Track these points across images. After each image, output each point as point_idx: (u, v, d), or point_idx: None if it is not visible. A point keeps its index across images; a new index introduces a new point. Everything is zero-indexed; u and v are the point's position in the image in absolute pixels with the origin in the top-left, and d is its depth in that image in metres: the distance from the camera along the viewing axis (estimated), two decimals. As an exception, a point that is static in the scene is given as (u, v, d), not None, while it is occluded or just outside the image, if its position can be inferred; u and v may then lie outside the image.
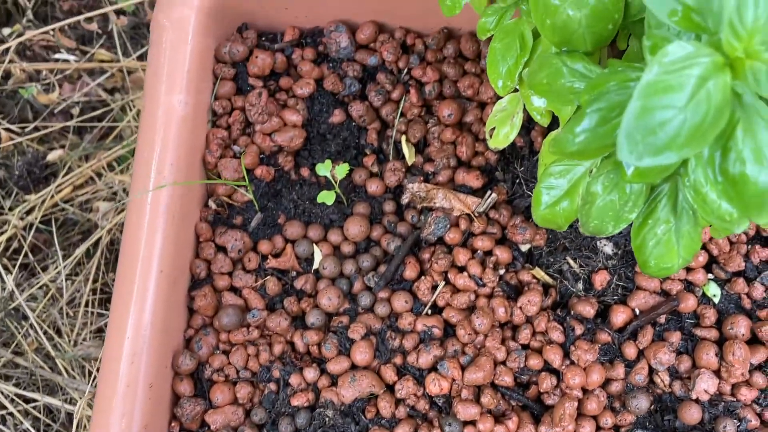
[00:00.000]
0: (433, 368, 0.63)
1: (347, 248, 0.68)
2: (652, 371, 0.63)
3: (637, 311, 0.65)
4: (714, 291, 0.66)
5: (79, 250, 1.11)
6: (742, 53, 0.32)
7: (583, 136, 0.37)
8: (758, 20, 0.31)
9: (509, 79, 0.52)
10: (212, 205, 0.67)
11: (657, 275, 0.47)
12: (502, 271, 0.67)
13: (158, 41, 0.65)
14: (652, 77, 0.31)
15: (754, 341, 0.63)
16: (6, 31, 1.29)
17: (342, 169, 0.68)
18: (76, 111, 1.25)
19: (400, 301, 0.65)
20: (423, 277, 0.66)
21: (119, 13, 1.26)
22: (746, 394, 0.61)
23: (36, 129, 1.22)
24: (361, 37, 0.72)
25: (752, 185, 0.33)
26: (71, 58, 1.28)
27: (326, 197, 0.67)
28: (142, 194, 0.62)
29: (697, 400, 0.62)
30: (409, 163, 0.71)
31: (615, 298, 0.66)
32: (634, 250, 0.46)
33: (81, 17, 1.18)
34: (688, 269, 0.66)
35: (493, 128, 0.61)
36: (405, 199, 0.70)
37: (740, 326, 0.63)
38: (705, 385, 0.61)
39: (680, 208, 0.43)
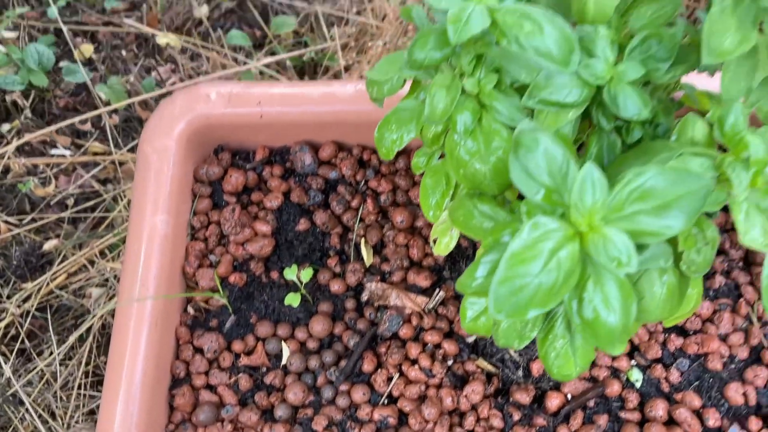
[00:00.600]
0: (388, 455, 0.70)
1: (312, 344, 0.76)
2: (583, 451, 0.71)
3: (569, 396, 0.73)
4: (636, 376, 0.74)
5: (73, 336, 1.19)
6: (585, 228, 0.41)
7: (479, 281, 0.46)
8: (596, 203, 0.41)
9: (438, 209, 0.61)
10: (191, 310, 0.76)
11: (560, 380, 0.55)
12: (450, 362, 0.75)
13: (143, 168, 0.74)
14: (516, 248, 0.40)
15: (670, 422, 0.71)
16: (5, 127, 1.39)
17: (306, 273, 0.77)
18: (70, 202, 1.35)
19: (359, 393, 0.73)
20: (379, 370, 0.74)
21: (112, 112, 1.37)
22: (666, 471, 0.69)
23: (33, 220, 1.31)
24: (323, 154, 0.82)
25: (603, 326, 0.42)
26: (67, 152, 1.38)
27: (292, 299, 0.76)
28: (128, 303, 0.71)
29: (622, 478, 0.70)
30: (368, 264, 0.81)
31: (551, 383, 0.74)
32: (541, 359, 0.54)
33: (76, 119, 1.29)
34: (614, 357, 0.74)
35: (436, 238, 0.71)
36: (364, 297, 0.79)
37: (658, 409, 0.71)
38: (628, 464, 0.69)
39: (573, 326, 0.52)
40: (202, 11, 1.59)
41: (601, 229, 0.41)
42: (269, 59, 1.44)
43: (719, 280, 0.76)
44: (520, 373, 0.75)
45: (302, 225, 0.80)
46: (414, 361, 0.74)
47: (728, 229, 0.80)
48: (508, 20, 0.47)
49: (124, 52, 1.56)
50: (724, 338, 0.74)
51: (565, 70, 0.48)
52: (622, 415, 0.72)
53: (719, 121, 0.46)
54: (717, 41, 0.46)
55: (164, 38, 1.53)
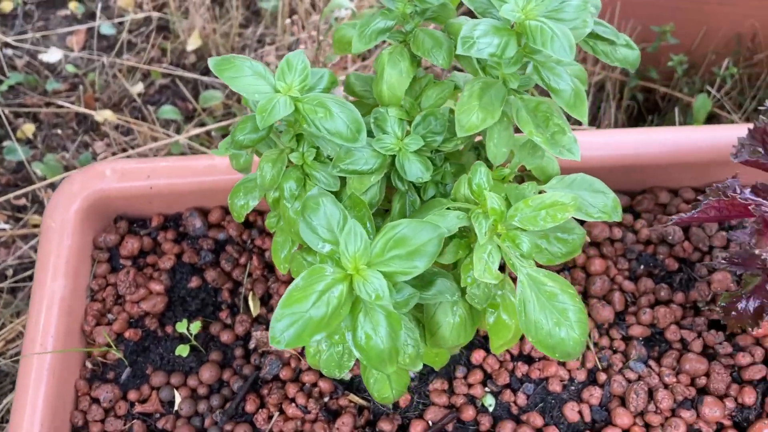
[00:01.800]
0: (265, 485, 0.78)
1: (202, 390, 0.85)
2: (442, 472, 0.80)
3: (431, 422, 0.82)
4: (489, 401, 0.83)
5: (7, 399, 1.25)
6: (352, 271, 0.52)
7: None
8: (357, 251, 0.52)
9: (286, 262, 0.72)
10: (89, 365, 0.84)
11: (381, 402, 0.65)
12: (326, 399, 0.84)
13: (45, 239, 0.84)
14: (292, 289, 0.50)
15: (517, 441, 0.80)
16: (-51, 204, 1.48)
17: (195, 326, 0.86)
18: (9, 272, 1.42)
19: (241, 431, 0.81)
20: (261, 410, 0.83)
21: (47, 186, 1.47)
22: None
23: (-28, 291, 1.38)
24: (211, 218, 0.93)
25: (373, 350, 0.52)
26: (6, 227, 1.47)
27: (182, 350, 0.85)
28: (30, 356, 0.79)
29: (474, 493, 0.78)
30: (255, 315, 0.90)
31: (416, 413, 0.83)
32: (366, 385, 0.64)
33: (11, 195, 1.39)
34: (470, 385, 0.84)
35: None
36: (251, 345, 0.88)
37: (507, 429, 0.80)
38: (478, 480, 0.78)
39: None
40: (137, 89, 1.72)
41: (364, 272, 0.51)
42: (198, 130, 1.56)
43: (562, 312, 0.87)
44: (390, 406, 0.84)
45: (194, 282, 0.90)
46: (292, 400, 0.83)
47: (570, 267, 0.91)
48: (306, 108, 0.59)
49: (63, 131, 1.67)
50: (563, 363, 0.84)
51: (355, 146, 0.59)
52: (476, 437, 0.81)
53: (469, 181, 0.57)
54: (465, 119, 0.58)
55: (101, 115, 1.65)
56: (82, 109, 1.66)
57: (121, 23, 1.82)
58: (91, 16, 1.86)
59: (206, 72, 1.73)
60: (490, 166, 0.64)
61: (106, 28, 1.82)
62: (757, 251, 0.63)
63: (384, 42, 0.67)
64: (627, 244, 0.91)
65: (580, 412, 0.81)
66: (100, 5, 1.86)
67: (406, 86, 0.64)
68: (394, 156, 0.63)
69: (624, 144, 0.87)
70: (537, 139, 0.59)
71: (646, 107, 1.54)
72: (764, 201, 0.67)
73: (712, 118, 1.42)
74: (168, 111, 1.64)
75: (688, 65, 1.49)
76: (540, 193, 0.62)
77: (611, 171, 0.86)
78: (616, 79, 1.50)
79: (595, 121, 1.55)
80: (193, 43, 1.77)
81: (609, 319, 0.86)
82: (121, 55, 1.77)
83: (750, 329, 0.76)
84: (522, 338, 0.83)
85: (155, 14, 1.83)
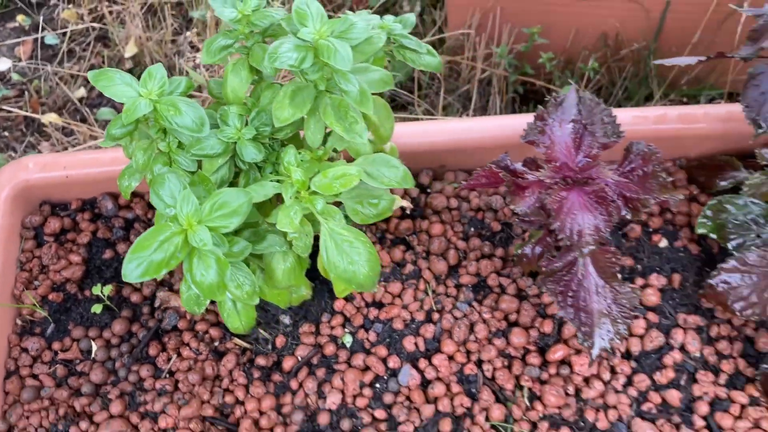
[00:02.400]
0: (162, 411, 0.98)
1: (114, 340, 1.04)
2: (307, 395, 1.00)
3: (300, 358, 1.02)
4: (348, 339, 1.03)
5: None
6: (186, 227, 0.71)
7: (148, 266, 0.76)
8: (190, 212, 0.71)
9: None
10: (19, 322, 1.03)
11: (234, 331, 0.85)
12: (216, 343, 1.04)
13: (-20, 221, 1.03)
14: (140, 239, 0.70)
15: (366, 368, 1.00)
16: None
17: (107, 289, 1.05)
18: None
19: (145, 371, 1.01)
20: (162, 353, 1.02)
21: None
22: (361, 402, 0.98)
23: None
24: (121, 201, 1.12)
25: (206, 284, 0.72)
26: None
27: (96, 308, 1.04)
28: (-29, 320, 0.98)
29: (329, 410, 0.98)
30: (159, 279, 1.09)
31: (289, 352, 1.03)
32: (222, 317, 0.84)
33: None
34: (332, 327, 1.03)
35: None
36: (156, 303, 1.07)
37: (359, 359, 1.00)
38: (332, 399, 0.98)
39: (194, 286, 0.82)
40: (79, 93, 1.89)
41: (194, 227, 0.71)
42: (133, 129, 1.73)
43: (409, 268, 1.07)
44: (269, 347, 1.04)
45: (108, 254, 1.09)
46: (187, 344, 1.03)
47: (417, 231, 1.11)
48: (161, 107, 0.78)
49: (11, 133, 1.85)
50: (406, 307, 1.04)
51: (201, 135, 0.79)
52: (335, 366, 1.01)
53: (282, 160, 0.77)
54: (280, 113, 0.78)
55: (46, 118, 1.83)
56: (29, 114, 1.83)
57: (64, 33, 1.99)
58: (36, 27, 2.03)
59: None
60: (311, 149, 0.84)
61: (51, 38, 1.99)
62: (512, 207, 0.84)
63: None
64: (462, 211, 1.11)
65: (416, 344, 1.01)
66: (44, 18, 2.03)
67: (245, 89, 0.84)
68: (235, 143, 0.82)
69: (445, 131, 1.08)
70: (336, 128, 0.79)
71: (530, 98, 1.75)
72: (528, 170, 0.88)
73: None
74: (105, 113, 1.82)
75: (564, 61, 1.70)
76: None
77: (437, 152, 1.07)
78: (500, 75, 1.71)
79: (485, 111, 1.76)
80: (129, 50, 1.95)
81: (444, 271, 1.06)
82: (64, 63, 1.94)
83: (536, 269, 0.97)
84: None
85: (95, 25, 2.00)
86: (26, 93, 1.88)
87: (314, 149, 0.83)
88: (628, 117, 1.07)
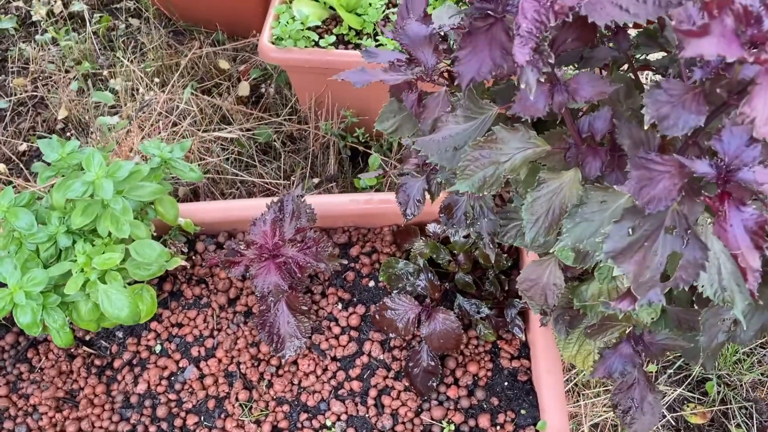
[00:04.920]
0: (32, 393, 1.54)
1: (7, 347, 1.60)
2: (126, 384, 1.55)
3: (125, 359, 1.57)
4: (158, 348, 1.58)
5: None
6: (13, 291, 1.26)
7: None
8: (14, 282, 1.26)
9: None
10: (-56, 336, 1.59)
11: (61, 346, 1.40)
12: (72, 350, 1.59)
13: None
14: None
15: (166, 367, 1.55)
16: None
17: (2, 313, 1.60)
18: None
19: (23, 367, 1.56)
20: (36, 356, 1.57)
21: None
22: (160, 389, 1.53)
23: None
24: (16, 254, 1.67)
25: (24, 324, 1.26)
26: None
27: (-5, 327, 1.60)
28: None
29: (138, 393, 1.53)
30: (41, 307, 1.64)
31: (119, 355, 1.58)
32: (53, 339, 1.39)
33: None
34: (148, 339, 1.58)
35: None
36: (38, 323, 1.62)
37: (169, 362, 1.55)
38: (141, 387, 1.53)
39: (55, 324, 1.37)
40: (22, 148, 2.44)
41: (17, 291, 1.26)
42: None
43: (204, 300, 1.61)
44: (108, 352, 1.59)
45: None
46: (51, 350, 1.58)
47: (212, 275, 1.65)
48: (8, 215, 1.33)
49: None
50: (197, 326, 1.59)
51: (32, 232, 1.34)
52: (147, 365, 1.56)
53: (76, 247, 1.32)
54: (75, 219, 1.32)
55: (-5, 170, 2.37)
56: (-24, 167, 2.38)
57: (10, 100, 2.54)
58: (-11, 95, 2.58)
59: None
60: None
61: (1, 103, 2.54)
62: (229, 274, 1.38)
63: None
64: (241, 261, 1.65)
65: (199, 351, 1.56)
66: (-4, 86, 2.58)
67: (63, 201, 1.38)
68: (55, 235, 1.37)
69: (227, 208, 1.62)
70: (111, 228, 1.33)
71: (359, 156, 2.28)
72: (242, 250, 1.42)
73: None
74: (37, 166, 2.37)
75: (376, 133, 2.22)
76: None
77: (229, 221, 1.61)
78: (335, 141, 2.23)
79: (325, 166, 2.29)
80: (62, 113, 2.49)
81: (225, 302, 1.61)
82: (8, 125, 2.49)
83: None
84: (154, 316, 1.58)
85: (37, 93, 2.55)
86: (-20, 150, 2.43)
87: (104, 238, 1.37)
88: (346, 200, 1.61)
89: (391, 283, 1.52)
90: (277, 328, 1.41)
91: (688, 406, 1.98)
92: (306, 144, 2.30)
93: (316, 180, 2.23)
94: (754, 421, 1.92)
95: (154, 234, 1.56)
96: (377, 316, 1.48)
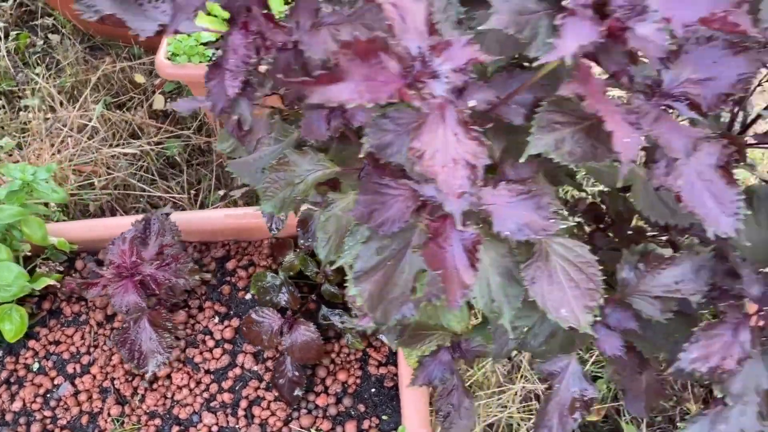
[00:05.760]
0: None
1: None
2: (3, 402, 1.57)
3: (2, 378, 1.59)
4: (35, 366, 1.60)
5: None
6: None
7: None
8: None
9: None
10: None
11: None
12: (-47, 370, 1.61)
13: None
14: None
15: (42, 385, 1.58)
16: None
17: None
18: None
19: None
20: None
21: None
22: (35, 406, 1.55)
23: None
24: None
25: None
26: None
27: None
28: None
29: (13, 411, 1.56)
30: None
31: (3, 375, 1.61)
32: None
33: None
34: (26, 358, 1.61)
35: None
36: None
37: (41, 379, 1.58)
38: (16, 404, 1.55)
39: None
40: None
41: None
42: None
43: (83, 317, 1.64)
44: (-11, 371, 1.61)
45: None
46: (-69, 372, 1.60)
47: (94, 291, 1.68)
48: None
49: None
50: (74, 343, 1.61)
51: None
52: (24, 383, 1.58)
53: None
54: None
55: None
56: None
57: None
58: None
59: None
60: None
61: None
62: (86, 295, 1.40)
63: None
64: (120, 278, 1.68)
65: (74, 368, 1.58)
66: None
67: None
68: None
69: (94, 226, 1.65)
70: (-33, 250, 1.35)
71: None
72: (101, 269, 1.44)
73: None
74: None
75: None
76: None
77: (100, 239, 1.64)
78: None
79: (229, 179, 2.32)
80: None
81: (103, 319, 1.63)
82: None
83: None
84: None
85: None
86: None
87: (-38, 261, 1.40)
88: (222, 215, 1.64)
89: (260, 296, 1.55)
90: (138, 345, 1.44)
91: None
92: (212, 157, 2.33)
93: (221, 192, 2.26)
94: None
95: (29, 254, 1.59)
96: (245, 329, 1.51)
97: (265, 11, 0.72)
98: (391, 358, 1.56)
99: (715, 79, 0.77)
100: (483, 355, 1.13)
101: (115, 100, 2.54)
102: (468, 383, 1.90)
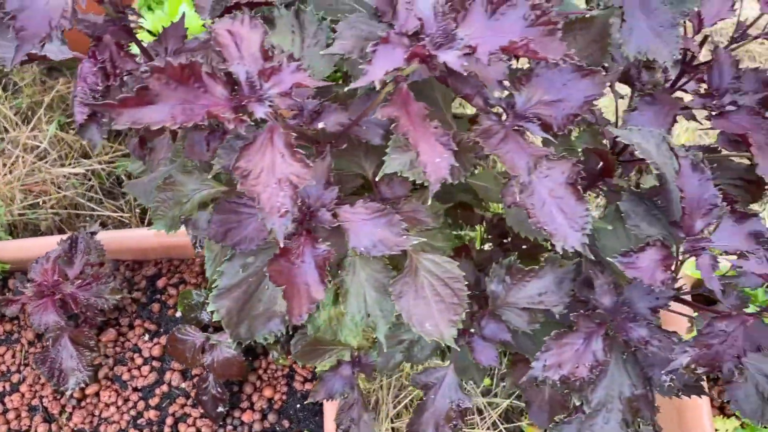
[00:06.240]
0: None
1: None
2: None
3: (-68, 399, 1.61)
4: (-35, 385, 1.62)
5: None
6: None
7: None
8: None
9: None
10: None
11: None
12: None
13: None
14: None
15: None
16: None
17: None
18: None
19: None
20: None
21: None
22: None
23: None
24: None
25: None
26: None
27: None
28: None
29: None
30: None
31: (-72, 394, 1.62)
32: None
33: None
34: (-44, 378, 1.62)
35: None
36: None
37: (-35, 398, 1.59)
38: None
39: None
40: None
41: None
42: None
43: (15, 336, 1.65)
44: None
45: None
46: None
47: (23, 312, 1.69)
48: None
49: None
50: (5, 362, 1.63)
51: None
52: None
53: None
54: None
55: None
56: None
57: None
58: None
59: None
60: None
61: None
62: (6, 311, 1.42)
63: None
64: (52, 297, 1.70)
65: (4, 386, 1.60)
66: None
67: None
68: None
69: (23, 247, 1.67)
70: None
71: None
72: (24, 289, 1.46)
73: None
74: None
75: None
76: None
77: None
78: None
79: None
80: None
81: (34, 338, 1.65)
82: None
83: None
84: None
85: None
86: None
87: None
88: (151, 233, 1.66)
89: (186, 314, 1.57)
90: (59, 363, 1.45)
91: (525, 417, 2.05)
92: (161, 176, 2.35)
93: (169, 211, 2.28)
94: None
95: (-40, 274, 1.60)
96: (170, 347, 1.52)
97: (117, 41, 0.75)
98: (317, 375, 1.58)
99: (565, 101, 0.81)
100: (378, 369, 1.15)
101: (69, 119, 2.57)
102: (410, 397, 1.92)
